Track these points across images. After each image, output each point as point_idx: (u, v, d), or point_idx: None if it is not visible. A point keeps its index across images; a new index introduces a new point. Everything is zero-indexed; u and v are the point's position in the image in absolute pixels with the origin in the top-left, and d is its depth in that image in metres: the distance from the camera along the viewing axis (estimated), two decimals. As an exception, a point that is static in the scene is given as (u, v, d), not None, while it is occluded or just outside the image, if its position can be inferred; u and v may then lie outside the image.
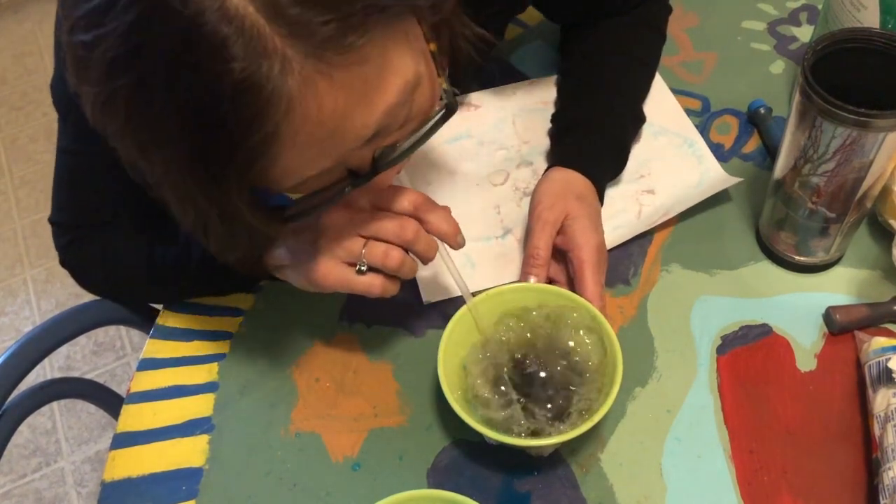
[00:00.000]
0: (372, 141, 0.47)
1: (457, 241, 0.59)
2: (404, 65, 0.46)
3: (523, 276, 0.64)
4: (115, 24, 0.38)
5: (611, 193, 0.73)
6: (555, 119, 0.77)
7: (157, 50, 0.38)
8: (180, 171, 0.43)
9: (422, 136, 0.51)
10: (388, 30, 0.43)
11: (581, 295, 0.61)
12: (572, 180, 0.68)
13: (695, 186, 0.73)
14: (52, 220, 0.71)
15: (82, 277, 0.74)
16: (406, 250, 0.57)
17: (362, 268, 0.57)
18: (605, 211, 0.70)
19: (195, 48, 0.38)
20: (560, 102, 0.79)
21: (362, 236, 0.56)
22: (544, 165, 0.76)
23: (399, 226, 0.56)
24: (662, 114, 0.79)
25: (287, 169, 0.46)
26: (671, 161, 0.76)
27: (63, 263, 0.73)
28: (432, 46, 0.48)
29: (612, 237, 0.70)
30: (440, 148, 0.79)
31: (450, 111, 0.51)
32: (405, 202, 0.57)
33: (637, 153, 0.76)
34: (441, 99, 0.52)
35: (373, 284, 0.57)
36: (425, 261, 0.58)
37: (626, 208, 0.73)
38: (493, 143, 0.79)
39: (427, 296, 0.69)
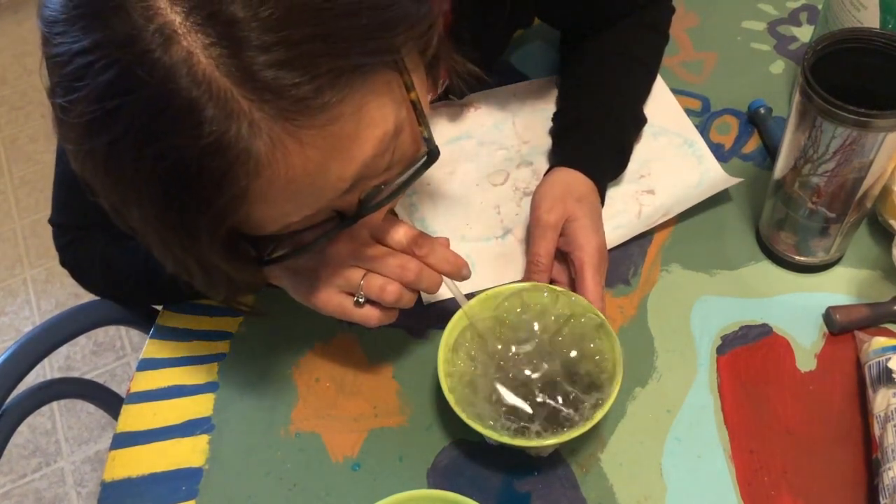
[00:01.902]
0: (354, 188, 0.47)
1: (462, 276, 0.59)
2: (383, 116, 0.45)
3: (525, 278, 0.65)
4: (89, 90, 0.39)
5: (611, 194, 0.73)
6: (555, 119, 0.77)
7: (129, 113, 0.39)
8: (154, 225, 0.44)
9: (406, 180, 0.51)
10: (364, 84, 0.43)
11: (582, 295, 0.61)
12: (573, 181, 0.68)
13: (695, 186, 0.73)
14: (52, 221, 0.71)
15: (81, 278, 0.74)
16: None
17: (360, 299, 0.57)
18: (606, 211, 0.70)
19: (165, 112, 0.38)
20: (560, 102, 0.79)
21: (363, 268, 0.56)
22: (544, 165, 0.76)
23: (400, 266, 0.56)
24: (662, 114, 0.79)
25: (264, 219, 0.46)
26: (671, 161, 0.76)
27: (63, 263, 0.74)
28: (412, 96, 0.47)
29: (612, 237, 0.70)
30: (440, 148, 0.78)
31: (432, 158, 0.51)
32: (401, 237, 0.56)
33: (637, 153, 0.76)
34: (424, 146, 0.51)
35: (369, 317, 0.58)
36: (431, 293, 0.59)
37: (627, 208, 0.73)
38: (492, 143, 0.79)
39: (427, 296, 0.69)
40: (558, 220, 0.65)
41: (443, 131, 0.80)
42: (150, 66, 0.38)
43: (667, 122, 0.79)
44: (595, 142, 0.71)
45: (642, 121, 0.76)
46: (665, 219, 0.70)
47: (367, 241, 0.57)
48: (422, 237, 0.57)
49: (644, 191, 0.74)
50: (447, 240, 0.59)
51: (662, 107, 0.80)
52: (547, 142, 0.78)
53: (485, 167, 0.77)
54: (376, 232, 0.57)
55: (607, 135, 0.72)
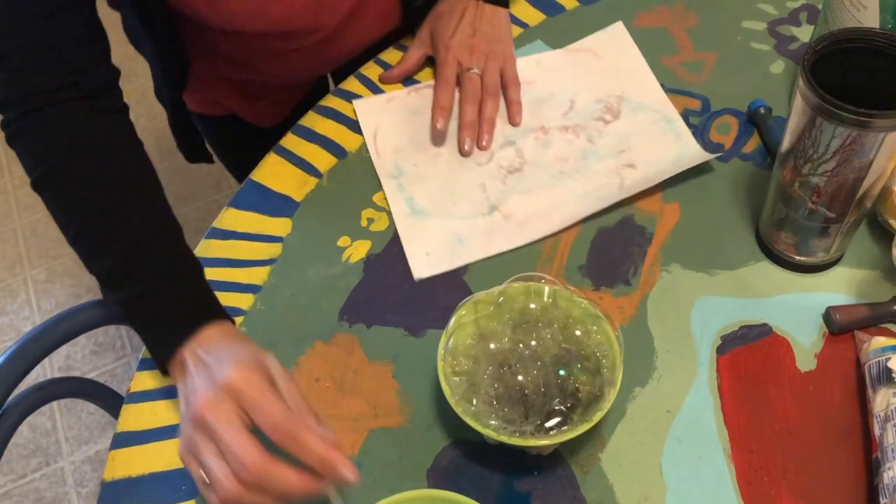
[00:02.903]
0: None
1: (339, 476, 0.51)
2: None
3: (433, 123, 0.79)
4: None
5: (594, 168, 0.76)
6: None
7: None
8: None
9: None
10: None
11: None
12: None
13: (673, 162, 0.76)
14: None
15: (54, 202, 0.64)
16: None
17: (206, 480, 0.52)
18: (589, 184, 0.75)
19: None
20: None
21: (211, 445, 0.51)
22: (527, 145, 0.79)
23: (241, 464, 0.49)
24: (643, 92, 0.82)
25: None
26: (651, 137, 0.79)
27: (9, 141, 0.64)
28: None
29: (596, 205, 0.73)
30: (425, 130, 0.81)
31: None
32: (270, 423, 0.50)
33: (618, 129, 0.79)
34: None
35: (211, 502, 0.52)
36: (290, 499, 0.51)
37: (609, 182, 0.75)
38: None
39: (417, 272, 0.71)
40: (454, 67, 0.80)
41: (428, 113, 0.82)
42: None
43: (647, 99, 0.82)
44: None
45: None
46: (646, 187, 0.73)
47: (226, 417, 0.51)
48: (292, 431, 0.50)
49: (625, 164, 0.77)
50: (332, 437, 0.52)
51: (643, 85, 0.83)
52: (528, 122, 0.81)
53: None
54: (248, 407, 0.51)
55: None
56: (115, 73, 0.66)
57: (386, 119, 0.83)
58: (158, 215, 0.64)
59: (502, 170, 0.77)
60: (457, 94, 0.82)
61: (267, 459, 0.49)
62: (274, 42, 0.81)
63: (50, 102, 0.61)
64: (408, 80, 0.86)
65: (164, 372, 0.60)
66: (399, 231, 0.74)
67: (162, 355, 0.59)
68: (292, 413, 0.51)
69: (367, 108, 0.84)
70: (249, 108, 0.96)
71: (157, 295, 0.60)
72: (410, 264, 0.71)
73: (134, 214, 0.62)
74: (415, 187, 0.77)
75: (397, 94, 0.85)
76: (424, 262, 0.71)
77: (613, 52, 0.86)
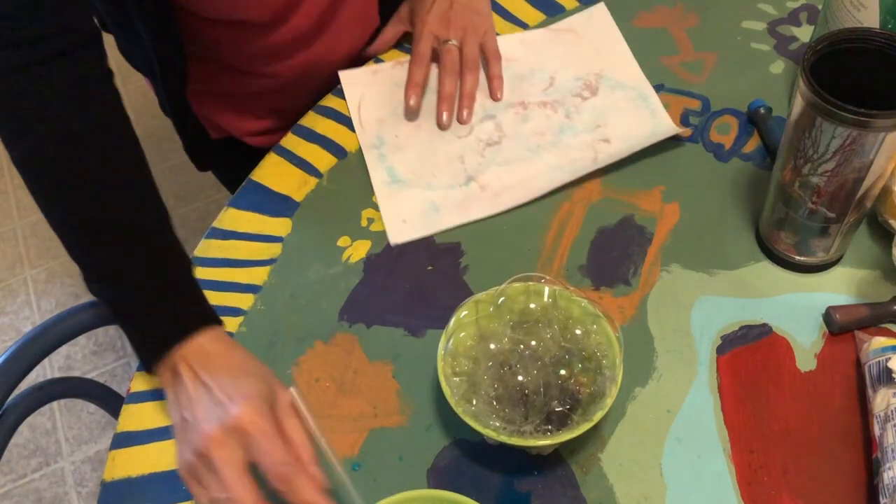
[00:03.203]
0: None
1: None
2: None
3: (405, 100, 0.81)
4: None
5: (569, 142, 0.78)
6: None
7: None
8: None
9: None
10: None
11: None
12: None
13: (647, 137, 0.77)
14: None
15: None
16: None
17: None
18: (564, 158, 0.77)
19: None
20: None
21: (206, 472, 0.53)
22: (506, 119, 0.81)
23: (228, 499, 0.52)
24: (620, 69, 0.84)
25: None
26: (626, 113, 0.80)
27: None
28: None
29: (568, 177, 0.75)
30: (407, 104, 0.83)
31: None
32: (269, 463, 0.52)
33: (594, 105, 0.81)
34: None
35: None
36: None
37: (583, 156, 0.77)
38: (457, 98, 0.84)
39: (393, 238, 0.73)
40: (429, 42, 0.82)
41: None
42: None
43: (625, 77, 0.83)
44: None
45: None
46: (618, 159, 0.75)
47: (229, 458, 0.52)
48: (288, 476, 0.52)
49: (600, 139, 0.78)
50: (320, 478, 0.53)
51: (620, 62, 0.85)
52: (509, 97, 0.83)
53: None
54: (252, 448, 0.53)
55: None
56: (97, 31, 0.62)
57: (370, 91, 0.85)
58: (147, 204, 0.61)
59: (481, 143, 0.79)
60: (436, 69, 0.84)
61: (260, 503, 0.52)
62: (251, 37, 0.81)
63: (30, 60, 0.57)
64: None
65: (150, 371, 0.59)
66: (378, 200, 0.76)
67: (149, 358, 0.59)
68: (290, 458, 0.53)
69: (352, 80, 0.86)
70: (244, 126, 0.95)
71: (145, 296, 0.59)
72: (387, 231, 0.74)
73: (122, 203, 0.60)
74: (395, 157, 0.79)
75: (382, 67, 0.87)
76: (400, 228, 0.74)
77: (594, 31, 0.88)
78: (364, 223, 0.75)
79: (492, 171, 0.77)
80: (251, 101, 0.92)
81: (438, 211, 0.75)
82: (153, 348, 0.58)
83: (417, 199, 0.75)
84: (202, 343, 0.58)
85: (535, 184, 0.75)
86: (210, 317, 0.60)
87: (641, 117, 0.80)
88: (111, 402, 0.86)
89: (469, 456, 0.60)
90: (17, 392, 0.74)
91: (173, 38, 0.78)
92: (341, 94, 0.86)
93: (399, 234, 0.73)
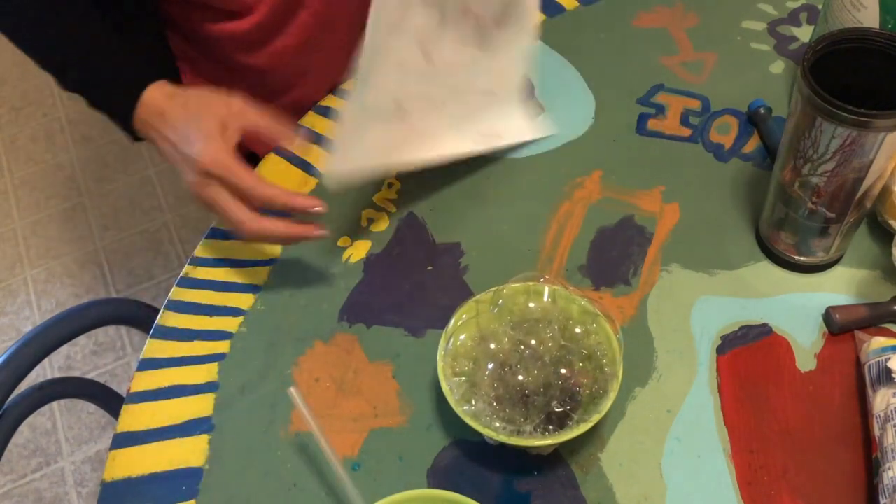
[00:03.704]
0: None
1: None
2: None
3: None
4: None
5: (467, 108, 0.77)
6: None
7: None
8: None
9: None
10: None
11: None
12: None
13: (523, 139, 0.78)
14: None
15: None
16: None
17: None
18: (464, 123, 0.76)
19: None
20: None
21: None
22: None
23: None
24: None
25: None
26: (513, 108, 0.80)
27: None
28: None
29: (459, 153, 0.75)
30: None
31: None
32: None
33: (493, 65, 0.77)
34: None
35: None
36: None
37: (475, 147, 0.77)
38: None
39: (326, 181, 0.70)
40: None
41: None
42: None
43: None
44: None
45: None
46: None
47: (217, 195, 0.61)
48: (273, 195, 0.62)
49: (490, 135, 0.78)
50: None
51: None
52: None
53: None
54: (229, 187, 0.61)
55: None
56: None
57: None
58: (91, 17, 0.69)
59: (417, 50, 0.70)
60: None
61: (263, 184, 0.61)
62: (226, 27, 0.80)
63: None
64: None
65: (137, 139, 0.68)
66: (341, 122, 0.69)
67: (125, 128, 0.67)
68: (261, 182, 0.61)
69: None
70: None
71: (96, 73, 0.67)
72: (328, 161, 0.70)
73: (73, 14, 0.68)
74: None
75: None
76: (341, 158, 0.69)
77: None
78: (364, 223, 0.75)
79: (420, 104, 0.72)
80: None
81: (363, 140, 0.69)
82: (122, 123, 0.67)
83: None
84: (152, 101, 0.64)
85: (443, 145, 0.73)
86: (148, 75, 0.66)
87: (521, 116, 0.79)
88: (111, 402, 0.86)
89: (469, 456, 0.60)
90: (17, 392, 0.74)
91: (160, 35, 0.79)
92: (342, 95, 0.86)
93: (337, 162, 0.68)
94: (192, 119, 0.62)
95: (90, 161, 2.05)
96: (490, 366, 0.59)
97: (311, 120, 0.84)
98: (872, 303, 0.64)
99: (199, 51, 0.80)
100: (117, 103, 0.66)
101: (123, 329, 1.70)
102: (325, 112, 0.85)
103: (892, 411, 0.55)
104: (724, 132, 0.78)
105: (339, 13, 0.82)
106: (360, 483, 0.57)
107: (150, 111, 0.64)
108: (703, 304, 0.67)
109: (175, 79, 0.76)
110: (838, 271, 0.68)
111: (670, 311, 0.67)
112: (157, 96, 0.64)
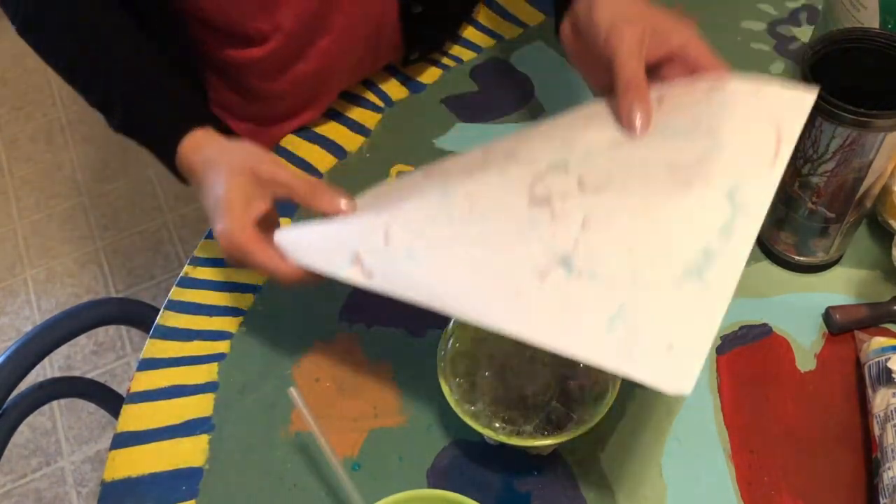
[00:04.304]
0: None
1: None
2: None
3: (627, 108, 0.52)
4: None
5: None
6: None
7: None
8: None
9: None
10: None
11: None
12: None
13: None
14: None
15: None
16: None
17: None
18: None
19: None
20: None
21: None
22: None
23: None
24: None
25: None
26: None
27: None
28: None
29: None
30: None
31: None
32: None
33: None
34: None
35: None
36: None
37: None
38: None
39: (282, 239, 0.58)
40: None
41: None
42: None
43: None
44: None
45: None
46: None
47: (243, 260, 0.57)
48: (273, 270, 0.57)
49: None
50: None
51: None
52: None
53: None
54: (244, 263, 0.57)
55: None
56: None
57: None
58: (139, 43, 0.67)
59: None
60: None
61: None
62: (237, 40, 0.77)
63: None
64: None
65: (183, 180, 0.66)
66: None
67: (170, 167, 0.65)
68: (279, 263, 0.56)
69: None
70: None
71: (138, 121, 0.66)
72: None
73: (116, 47, 0.66)
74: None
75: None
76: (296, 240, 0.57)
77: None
78: (364, 223, 0.75)
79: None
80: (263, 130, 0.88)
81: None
82: (166, 159, 0.64)
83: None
84: (184, 157, 0.63)
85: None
86: (184, 122, 0.63)
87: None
88: (111, 402, 0.86)
89: (469, 456, 0.60)
90: (17, 391, 0.74)
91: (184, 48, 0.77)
92: (342, 96, 0.86)
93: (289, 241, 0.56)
94: (217, 186, 0.58)
95: (90, 161, 2.05)
96: (490, 366, 0.59)
97: (326, 128, 0.84)
98: (872, 303, 0.64)
99: (216, 73, 0.80)
100: (160, 154, 0.65)
101: (123, 329, 1.70)
102: (326, 112, 0.84)
103: (892, 411, 0.55)
104: (724, 132, 0.78)
105: (359, 35, 0.80)
106: (360, 483, 0.57)
107: (184, 166, 0.63)
108: (703, 304, 0.67)
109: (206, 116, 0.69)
110: (838, 271, 0.68)
111: (670, 311, 0.66)
112: (187, 152, 0.62)
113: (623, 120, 0.52)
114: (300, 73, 0.78)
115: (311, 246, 0.55)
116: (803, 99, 0.51)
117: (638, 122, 0.52)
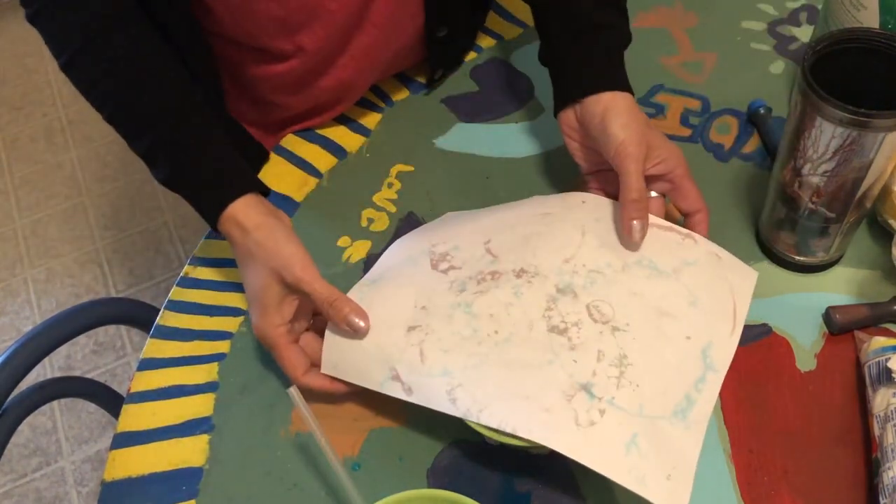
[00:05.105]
0: None
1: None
2: None
3: (628, 222, 0.61)
4: None
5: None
6: (551, 54, 0.73)
7: None
8: None
9: None
10: None
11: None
12: (628, 105, 0.65)
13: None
14: None
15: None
16: None
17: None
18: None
19: None
20: (548, 39, 0.74)
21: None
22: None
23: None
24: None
25: None
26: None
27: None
28: None
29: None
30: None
31: None
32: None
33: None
34: None
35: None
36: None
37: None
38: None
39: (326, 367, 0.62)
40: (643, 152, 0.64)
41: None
42: None
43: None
44: (613, 59, 0.68)
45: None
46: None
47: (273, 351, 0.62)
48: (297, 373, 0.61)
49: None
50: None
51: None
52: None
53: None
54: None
55: (612, 46, 0.69)
56: None
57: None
58: (184, 92, 0.67)
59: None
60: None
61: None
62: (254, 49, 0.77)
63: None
64: None
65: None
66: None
67: (212, 226, 0.65)
68: (301, 367, 0.61)
69: None
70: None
71: (189, 172, 0.66)
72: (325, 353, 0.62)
73: (162, 95, 0.66)
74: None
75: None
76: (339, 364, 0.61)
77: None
78: (364, 223, 0.75)
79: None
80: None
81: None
82: (209, 222, 0.65)
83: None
84: (227, 231, 0.64)
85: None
86: (243, 186, 0.64)
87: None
88: (111, 402, 0.86)
89: (469, 456, 0.60)
90: (17, 391, 0.74)
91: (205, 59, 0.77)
92: (341, 94, 0.86)
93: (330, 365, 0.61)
94: (255, 281, 0.62)
95: (90, 161, 2.06)
96: (490, 366, 0.59)
97: (326, 128, 0.84)
98: (872, 303, 0.64)
99: (233, 83, 0.80)
100: (203, 216, 0.66)
101: (123, 329, 1.70)
102: (336, 117, 0.84)
103: (892, 411, 0.55)
104: (724, 132, 0.78)
105: (381, 56, 0.80)
106: (360, 483, 0.57)
107: (224, 233, 0.65)
108: (703, 304, 0.67)
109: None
110: (838, 271, 0.68)
111: (670, 311, 0.66)
112: (230, 227, 0.63)
113: (625, 229, 0.62)
114: (320, 88, 0.78)
115: (352, 366, 0.60)
116: (751, 275, 0.63)
117: (637, 235, 0.62)
